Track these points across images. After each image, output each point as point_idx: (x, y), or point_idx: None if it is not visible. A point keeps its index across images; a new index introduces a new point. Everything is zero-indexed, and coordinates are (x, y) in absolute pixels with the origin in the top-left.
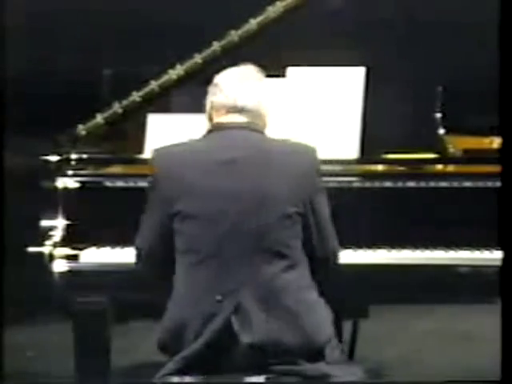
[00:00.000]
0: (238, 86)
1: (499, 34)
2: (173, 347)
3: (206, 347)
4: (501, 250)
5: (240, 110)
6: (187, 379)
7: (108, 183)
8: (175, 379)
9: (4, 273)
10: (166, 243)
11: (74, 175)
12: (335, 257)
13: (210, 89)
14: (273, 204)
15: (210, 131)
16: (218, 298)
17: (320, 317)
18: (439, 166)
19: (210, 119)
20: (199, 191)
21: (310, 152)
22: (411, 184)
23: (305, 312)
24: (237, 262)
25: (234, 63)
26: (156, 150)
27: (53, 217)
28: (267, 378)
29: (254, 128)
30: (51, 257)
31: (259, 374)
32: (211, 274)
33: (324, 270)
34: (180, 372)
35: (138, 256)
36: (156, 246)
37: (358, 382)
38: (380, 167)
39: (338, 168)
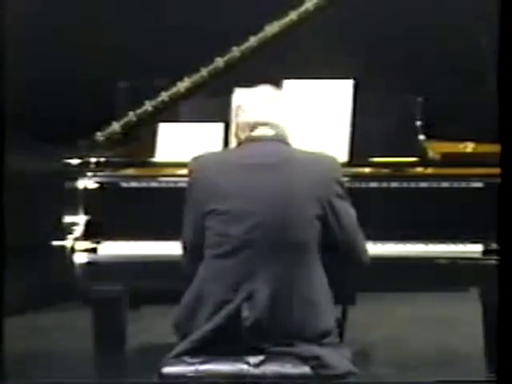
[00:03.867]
0: (258, 105)
1: (499, 42)
2: (184, 328)
3: (215, 331)
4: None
5: (264, 124)
6: (191, 360)
7: (123, 184)
8: (184, 359)
9: (31, 265)
10: (202, 238)
11: (93, 176)
12: (362, 256)
13: (234, 111)
14: (294, 206)
15: (240, 143)
16: (234, 287)
17: (323, 311)
18: (420, 169)
19: (237, 137)
20: (229, 192)
21: (329, 161)
22: (395, 185)
23: (309, 305)
24: (256, 255)
25: (234, 75)
26: (194, 157)
27: (74, 214)
28: (263, 360)
29: (280, 139)
30: (73, 249)
31: (257, 354)
32: (232, 266)
33: (352, 265)
34: (189, 352)
35: (184, 249)
36: (195, 241)
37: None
38: (367, 170)
39: None
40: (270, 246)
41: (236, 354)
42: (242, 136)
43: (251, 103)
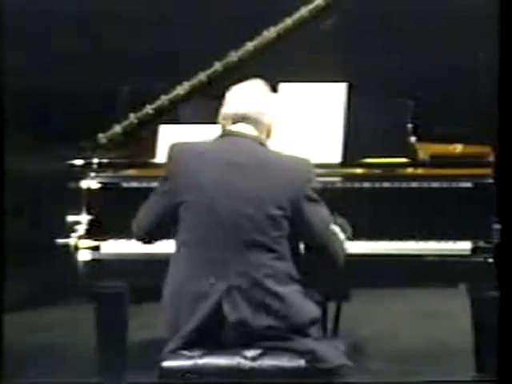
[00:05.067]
0: (240, 98)
1: (498, 43)
2: (171, 325)
3: (200, 327)
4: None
5: (243, 119)
6: (190, 354)
7: (125, 184)
8: (183, 354)
9: (35, 263)
10: (164, 227)
11: (96, 177)
12: (335, 258)
13: (223, 102)
14: (261, 204)
15: (220, 136)
16: (212, 281)
17: (299, 302)
18: (410, 169)
19: (222, 127)
20: (203, 185)
21: (302, 165)
22: (386, 185)
23: (286, 297)
24: (230, 250)
25: (234, 80)
26: (171, 145)
27: (77, 213)
28: (259, 354)
29: (257, 139)
30: (76, 247)
31: (251, 349)
32: (206, 260)
33: (327, 265)
34: (181, 349)
35: (134, 231)
36: (155, 228)
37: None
38: (360, 170)
39: (322, 171)
40: (239, 242)
41: (227, 348)
42: (223, 129)
43: (234, 96)
